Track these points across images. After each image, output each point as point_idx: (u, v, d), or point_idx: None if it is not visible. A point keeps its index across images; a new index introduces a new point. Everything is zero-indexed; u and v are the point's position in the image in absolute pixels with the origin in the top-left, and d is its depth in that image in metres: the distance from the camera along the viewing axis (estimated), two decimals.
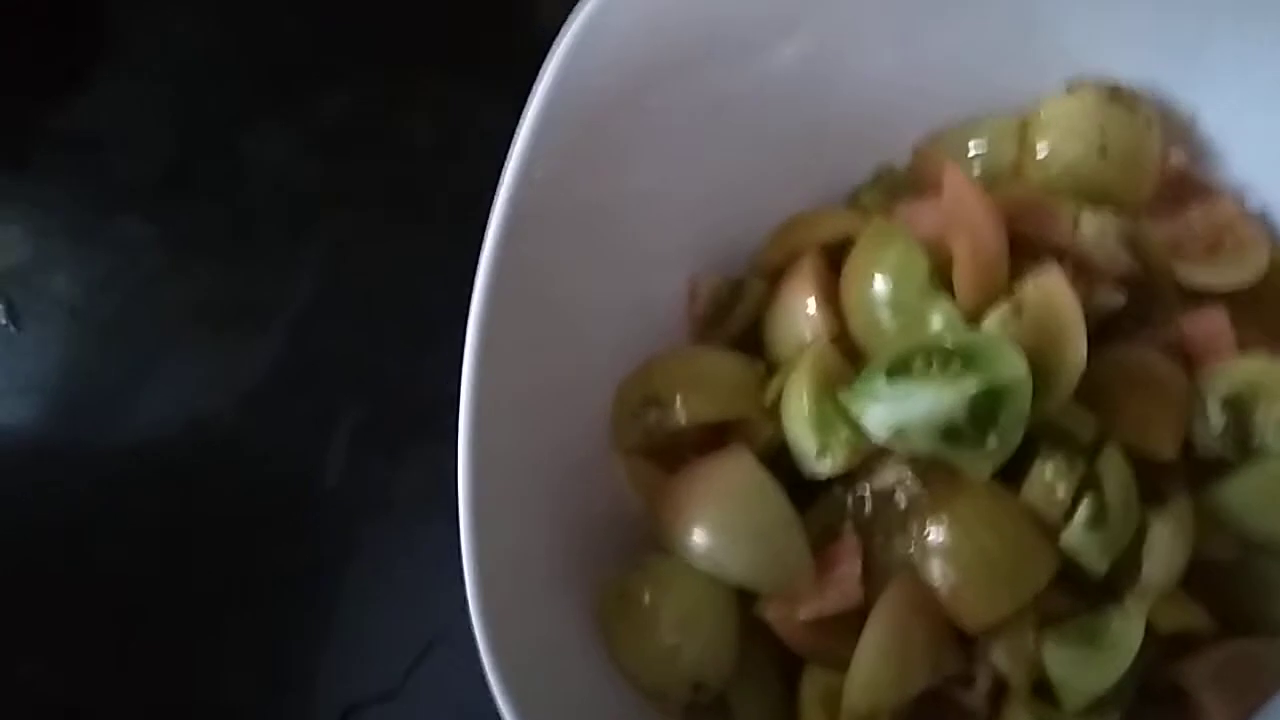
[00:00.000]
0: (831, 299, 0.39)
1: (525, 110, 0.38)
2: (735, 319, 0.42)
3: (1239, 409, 0.36)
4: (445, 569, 0.46)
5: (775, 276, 0.42)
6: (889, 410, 0.35)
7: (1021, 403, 0.34)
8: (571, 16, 0.38)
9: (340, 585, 0.48)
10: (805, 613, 0.35)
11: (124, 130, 0.56)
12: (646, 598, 0.37)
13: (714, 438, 0.39)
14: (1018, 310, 0.36)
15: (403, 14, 0.56)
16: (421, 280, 0.51)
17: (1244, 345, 0.37)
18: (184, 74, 0.57)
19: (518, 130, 0.38)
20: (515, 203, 0.37)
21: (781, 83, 0.42)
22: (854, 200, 0.44)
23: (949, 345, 0.35)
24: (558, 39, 0.38)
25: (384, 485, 0.49)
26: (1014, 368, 0.34)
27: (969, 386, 0.34)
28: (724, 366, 0.40)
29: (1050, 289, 0.35)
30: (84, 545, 0.49)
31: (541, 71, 0.38)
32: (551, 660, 0.36)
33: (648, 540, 0.38)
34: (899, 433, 0.35)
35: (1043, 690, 0.36)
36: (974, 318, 0.36)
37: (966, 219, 0.37)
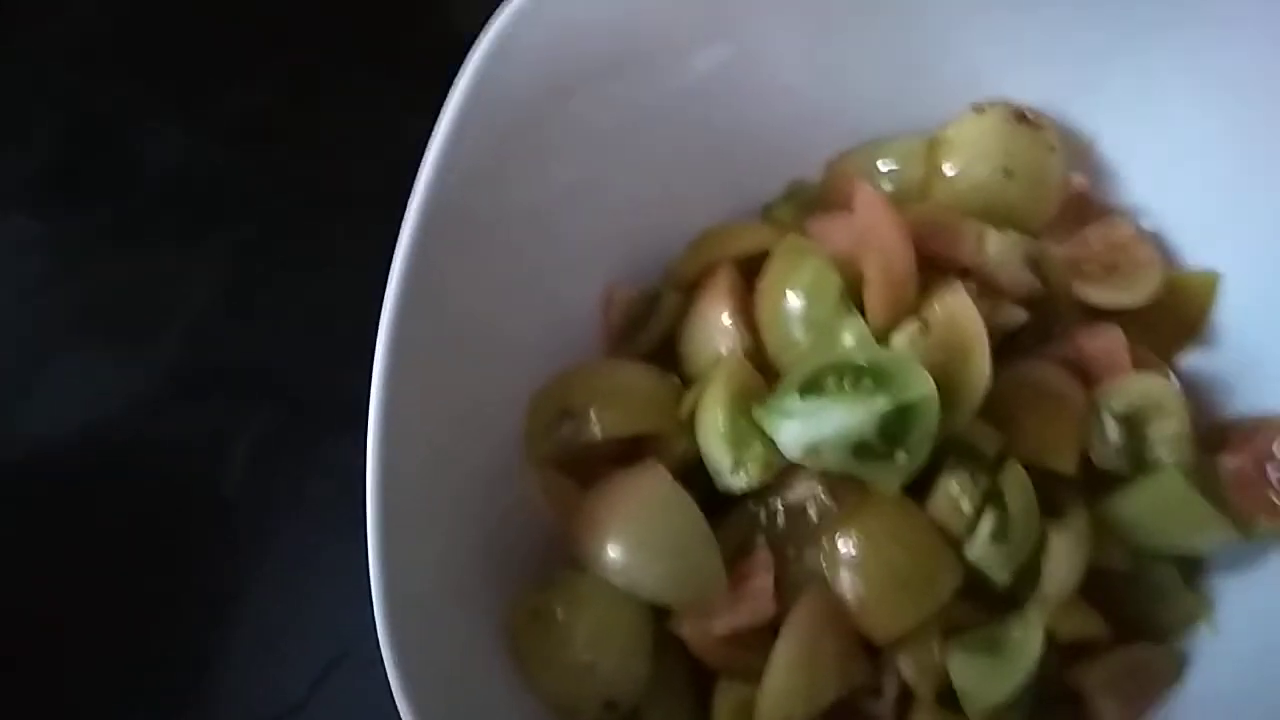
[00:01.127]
0: (745, 313, 0.40)
1: (440, 114, 0.37)
2: (650, 331, 0.42)
3: (1133, 425, 0.38)
4: (352, 580, 0.45)
5: (690, 289, 0.42)
6: (802, 428, 0.35)
7: (930, 420, 0.34)
8: (489, 20, 0.38)
9: (241, 599, 0.47)
10: (719, 627, 0.36)
11: (7, 122, 0.54)
12: (559, 614, 0.36)
13: (628, 451, 0.39)
14: (925, 329, 0.36)
15: (309, 7, 0.55)
16: (326, 284, 0.50)
17: (1137, 363, 0.39)
18: (72, 62, 0.54)
19: (431, 136, 0.37)
20: (428, 210, 0.36)
21: (697, 96, 0.42)
22: (767, 214, 0.44)
23: (860, 364, 0.35)
24: (475, 43, 0.38)
25: (286, 495, 0.48)
26: (923, 387, 0.34)
27: (880, 405, 0.34)
28: (639, 380, 0.40)
29: (956, 309, 0.36)
30: None
31: (457, 77, 0.38)
32: (460, 677, 0.36)
33: (560, 555, 0.38)
34: (812, 450, 0.35)
35: (947, 698, 0.36)
36: (883, 335, 0.37)
37: (878, 239, 0.37)
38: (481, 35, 0.38)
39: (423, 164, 0.37)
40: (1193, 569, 0.39)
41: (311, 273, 0.51)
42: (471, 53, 0.38)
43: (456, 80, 0.37)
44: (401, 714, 0.33)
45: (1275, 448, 0.37)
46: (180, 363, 0.50)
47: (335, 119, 0.53)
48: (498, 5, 0.38)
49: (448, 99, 0.37)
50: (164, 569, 0.47)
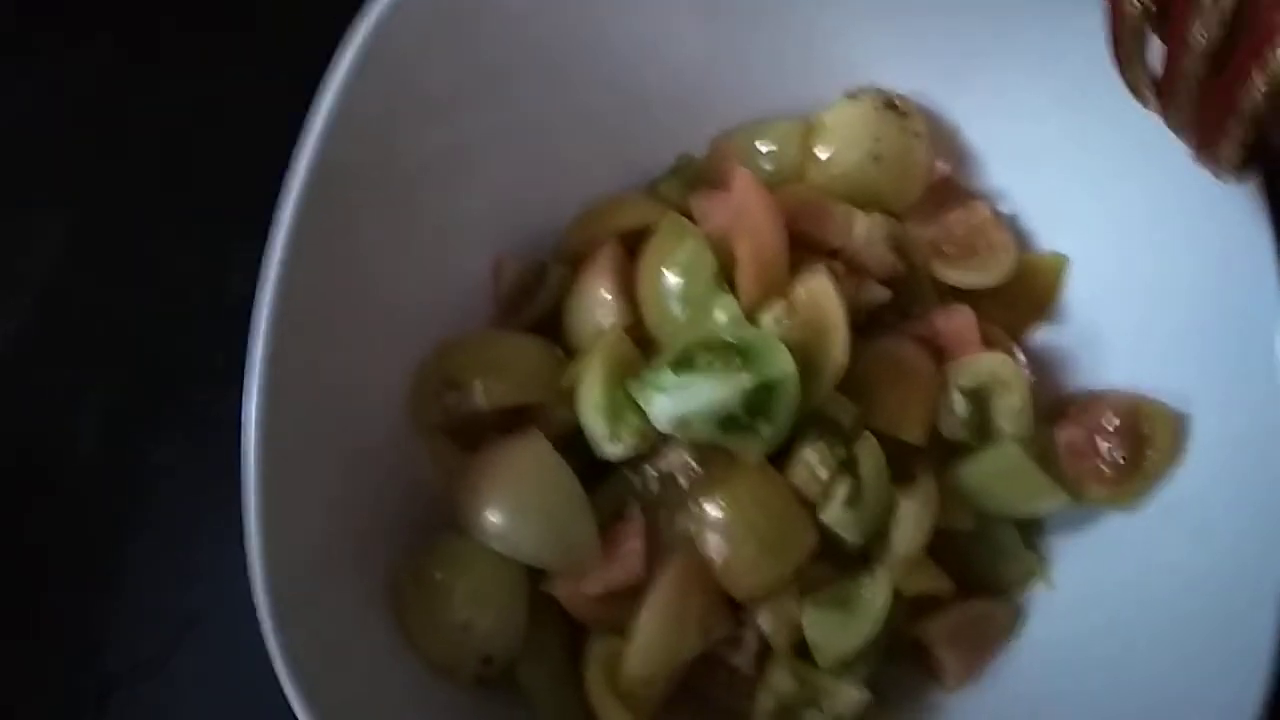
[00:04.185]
0: (627, 288, 0.41)
1: (327, 76, 0.37)
2: (537, 303, 0.43)
3: (979, 399, 0.41)
4: (207, 541, 0.45)
5: (576, 262, 0.43)
6: (673, 401, 0.37)
7: (790, 396, 0.37)
8: None
9: (95, 560, 0.46)
10: (591, 587, 0.38)
11: None
12: (439, 576, 0.38)
13: (512, 419, 0.41)
14: (791, 310, 0.39)
15: None
16: (178, 245, 0.49)
17: (987, 341, 0.42)
18: None
19: (317, 95, 0.37)
20: (315, 174, 0.37)
21: (594, 68, 0.44)
22: (654, 188, 0.46)
23: (729, 341, 0.38)
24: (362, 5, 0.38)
25: (139, 459, 0.47)
26: (785, 365, 0.37)
27: (745, 381, 0.37)
28: (523, 351, 0.42)
29: (819, 292, 0.39)
30: None
31: (345, 38, 0.37)
32: (340, 640, 0.36)
33: (442, 519, 0.39)
34: (681, 422, 0.37)
35: (803, 649, 0.39)
36: (753, 314, 0.39)
37: (750, 221, 0.40)
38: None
39: (309, 121, 0.37)
40: (1032, 530, 0.42)
41: (161, 232, 0.50)
42: (360, 15, 0.38)
43: (343, 41, 0.37)
44: (281, 679, 0.34)
45: (1104, 421, 0.40)
46: (28, 326, 0.49)
47: (179, 79, 0.51)
48: None
49: (335, 56, 0.37)
50: (11, 531, 0.46)
